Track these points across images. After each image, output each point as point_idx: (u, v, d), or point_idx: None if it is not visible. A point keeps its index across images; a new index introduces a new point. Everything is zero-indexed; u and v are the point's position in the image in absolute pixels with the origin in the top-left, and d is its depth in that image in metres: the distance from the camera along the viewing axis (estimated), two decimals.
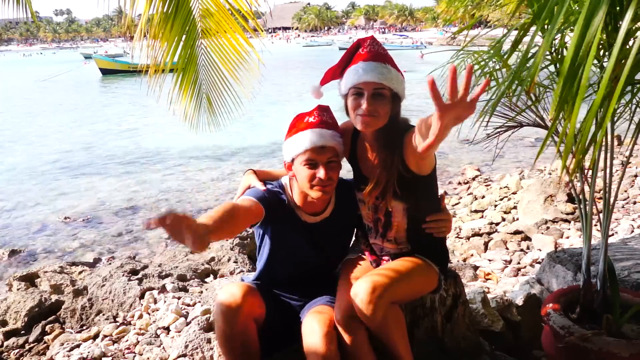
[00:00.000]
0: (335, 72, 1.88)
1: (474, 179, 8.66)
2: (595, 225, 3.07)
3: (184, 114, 3.17)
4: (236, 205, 1.68)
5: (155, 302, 3.53)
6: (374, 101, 1.73)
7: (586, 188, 2.16)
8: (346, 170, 2.14)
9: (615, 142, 7.22)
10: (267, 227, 1.93)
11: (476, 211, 6.73)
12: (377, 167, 1.85)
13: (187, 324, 2.97)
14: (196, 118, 3.25)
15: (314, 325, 1.74)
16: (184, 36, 2.93)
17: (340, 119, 2.02)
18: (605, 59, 1.85)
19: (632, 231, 4.63)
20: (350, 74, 1.77)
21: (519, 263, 4.41)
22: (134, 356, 2.85)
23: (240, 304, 1.71)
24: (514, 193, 7.02)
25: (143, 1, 2.68)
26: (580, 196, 2.19)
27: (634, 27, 1.63)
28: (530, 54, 1.62)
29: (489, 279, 4.08)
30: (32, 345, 3.59)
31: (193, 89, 3.15)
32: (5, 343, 3.66)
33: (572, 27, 1.78)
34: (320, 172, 1.79)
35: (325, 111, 1.91)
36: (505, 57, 2.27)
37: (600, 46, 1.90)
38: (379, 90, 1.73)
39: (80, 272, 4.96)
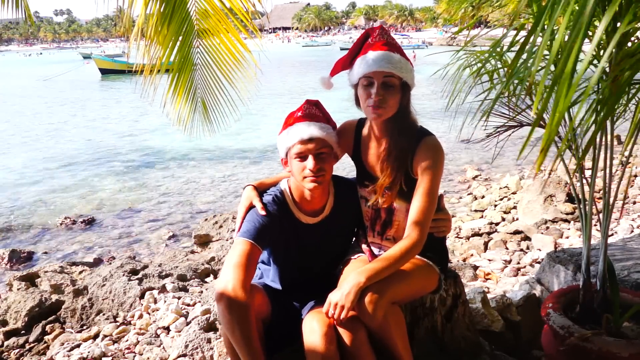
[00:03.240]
0: (345, 63, 1.91)
1: (474, 178, 8.67)
2: (595, 225, 3.07)
3: (178, 117, 3.15)
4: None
5: (155, 302, 3.54)
6: (384, 91, 1.77)
7: (586, 188, 2.16)
8: (347, 171, 2.15)
9: (615, 142, 7.22)
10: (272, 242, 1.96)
11: (476, 211, 6.73)
12: (387, 157, 1.87)
13: (187, 323, 2.97)
14: (190, 121, 3.24)
15: (313, 325, 1.74)
16: (180, 37, 2.92)
17: (346, 111, 2.03)
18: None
19: (632, 231, 4.63)
20: (360, 64, 1.81)
21: (518, 263, 4.41)
22: (134, 356, 2.86)
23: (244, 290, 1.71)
24: (514, 193, 7.03)
25: (141, 1, 2.68)
26: (580, 196, 2.19)
27: (632, 29, 1.63)
28: (527, 54, 1.62)
29: (489, 279, 4.08)
30: (32, 345, 3.60)
31: (188, 92, 3.13)
32: (6, 343, 3.66)
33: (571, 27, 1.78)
34: (310, 164, 1.81)
35: (314, 105, 1.94)
36: (505, 57, 2.28)
37: (600, 46, 1.91)
38: (388, 79, 1.77)
39: (80, 272, 4.97)
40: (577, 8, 1.12)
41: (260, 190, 1.98)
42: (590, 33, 1.89)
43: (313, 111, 1.91)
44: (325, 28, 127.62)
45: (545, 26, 1.23)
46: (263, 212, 1.86)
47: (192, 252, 5.90)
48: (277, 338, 1.95)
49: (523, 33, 1.85)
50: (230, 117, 3.31)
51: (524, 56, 1.38)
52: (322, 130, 1.86)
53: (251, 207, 1.91)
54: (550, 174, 6.75)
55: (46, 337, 3.63)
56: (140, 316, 3.37)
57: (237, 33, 2.99)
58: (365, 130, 2.00)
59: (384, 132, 1.89)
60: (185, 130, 3.22)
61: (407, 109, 1.86)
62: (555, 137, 2.24)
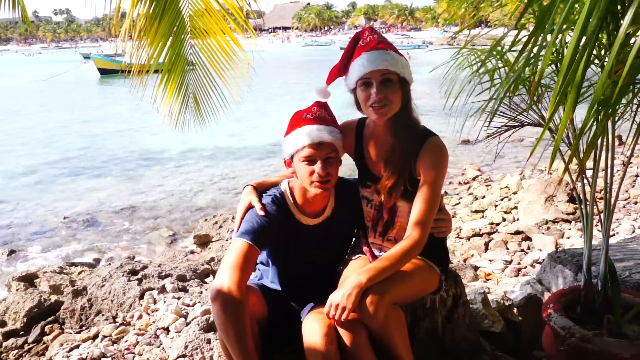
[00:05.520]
0: (340, 69, 1.90)
1: (474, 179, 8.66)
2: (596, 225, 3.06)
3: (169, 114, 3.15)
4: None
5: (154, 302, 3.53)
6: (383, 88, 1.76)
7: (587, 188, 2.15)
8: (348, 171, 2.14)
9: (616, 142, 7.21)
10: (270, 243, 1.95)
11: (476, 211, 6.72)
12: (391, 156, 1.86)
13: (187, 324, 2.96)
14: (182, 117, 3.24)
15: (314, 326, 1.73)
16: (171, 37, 2.91)
17: (346, 116, 2.02)
18: (606, 59, 1.84)
19: (633, 231, 4.63)
20: (355, 67, 1.79)
21: (519, 263, 4.40)
22: (134, 357, 2.85)
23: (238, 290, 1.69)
24: (515, 193, 7.01)
25: (129, 1, 2.68)
26: (581, 196, 2.18)
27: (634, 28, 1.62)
28: (530, 54, 1.62)
29: (490, 279, 4.07)
30: (31, 345, 3.59)
31: (179, 89, 3.13)
32: (5, 344, 3.65)
33: (572, 27, 1.77)
34: (318, 168, 1.79)
35: (323, 107, 1.91)
36: (506, 56, 2.27)
37: (602, 46, 1.90)
38: (386, 77, 1.76)
39: (79, 273, 4.96)
40: (577, 8, 1.11)
41: (260, 190, 1.97)
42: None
43: (323, 114, 1.88)
44: (325, 28, 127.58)
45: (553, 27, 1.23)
46: (262, 213, 1.85)
47: (192, 252, 5.89)
48: (275, 339, 1.94)
49: (524, 33, 1.84)
50: (229, 113, 3.31)
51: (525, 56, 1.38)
52: (332, 135, 1.84)
53: (250, 207, 1.90)
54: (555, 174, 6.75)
55: (45, 338, 3.62)
56: (140, 317, 3.36)
57: (231, 32, 2.99)
58: (366, 130, 1.99)
59: (386, 130, 1.87)
60: (176, 127, 3.23)
61: (409, 105, 1.85)
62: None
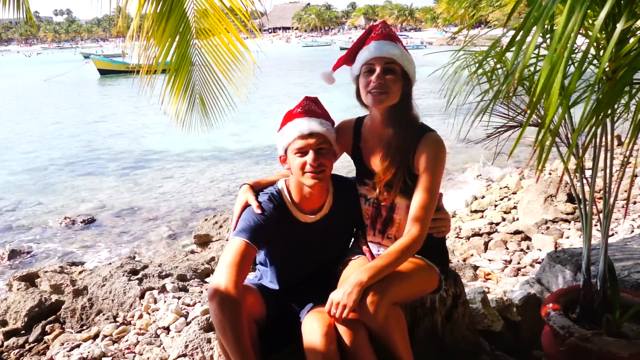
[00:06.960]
0: (348, 58, 1.93)
1: (474, 178, 8.66)
2: (595, 225, 3.07)
3: (176, 115, 3.16)
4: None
5: (155, 302, 3.54)
6: (385, 76, 1.78)
7: (586, 188, 2.16)
8: (347, 171, 2.15)
9: (615, 142, 7.22)
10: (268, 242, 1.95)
11: (476, 211, 6.73)
12: (388, 149, 1.86)
13: (187, 323, 2.97)
14: (189, 118, 3.24)
15: (314, 325, 1.74)
16: (177, 37, 2.92)
17: (345, 113, 2.04)
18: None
19: (632, 231, 4.63)
20: (362, 54, 1.83)
21: (519, 263, 4.40)
22: (134, 356, 2.85)
23: (235, 292, 1.70)
24: (514, 193, 7.02)
25: (136, 1, 2.68)
26: (581, 196, 2.19)
27: (633, 27, 1.62)
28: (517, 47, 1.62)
29: (489, 279, 4.08)
30: (32, 345, 3.59)
31: (186, 90, 3.14)
32: (5, 343, 3.66)
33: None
34: (310, 159, 1.81)
35: (312, 101, 1.94)
36: (504, 57, 2.28)
37: (601, 46, 1.90)
38: (389, 66, 1.78)
39: (80, 272, 4.97)
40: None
41: (257, 189, 1.98)
42: (590, 33, 1.89)
43: (312, 107, 1.91)
44: (325, 28, 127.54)
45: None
46: (258, 211, 1.86)
47: (192, 252, 5.90)
48: (274, 340, 1.95)
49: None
50: (229, 114, 3.31)
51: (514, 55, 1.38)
52: (322, 126, 1.86)
53: (247, 206, 1.90)
54: (550, 173, 6.76)
55: (46, 337, 3.62)
56: (140, 316, 3.36)
57: (236, 32, 2.99)
58: (364, 128, 2.00)
59: (385, 123, 1.88)
60: (183, 128, 3.23)
61: (408, 100, 1.86)
62: (556, 138, 2.24)
